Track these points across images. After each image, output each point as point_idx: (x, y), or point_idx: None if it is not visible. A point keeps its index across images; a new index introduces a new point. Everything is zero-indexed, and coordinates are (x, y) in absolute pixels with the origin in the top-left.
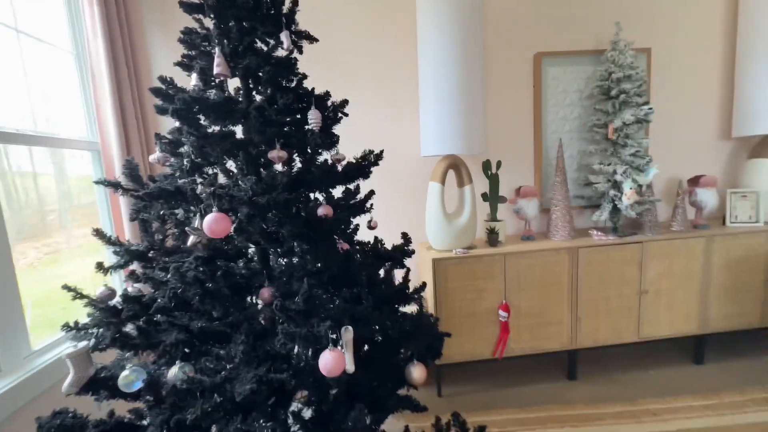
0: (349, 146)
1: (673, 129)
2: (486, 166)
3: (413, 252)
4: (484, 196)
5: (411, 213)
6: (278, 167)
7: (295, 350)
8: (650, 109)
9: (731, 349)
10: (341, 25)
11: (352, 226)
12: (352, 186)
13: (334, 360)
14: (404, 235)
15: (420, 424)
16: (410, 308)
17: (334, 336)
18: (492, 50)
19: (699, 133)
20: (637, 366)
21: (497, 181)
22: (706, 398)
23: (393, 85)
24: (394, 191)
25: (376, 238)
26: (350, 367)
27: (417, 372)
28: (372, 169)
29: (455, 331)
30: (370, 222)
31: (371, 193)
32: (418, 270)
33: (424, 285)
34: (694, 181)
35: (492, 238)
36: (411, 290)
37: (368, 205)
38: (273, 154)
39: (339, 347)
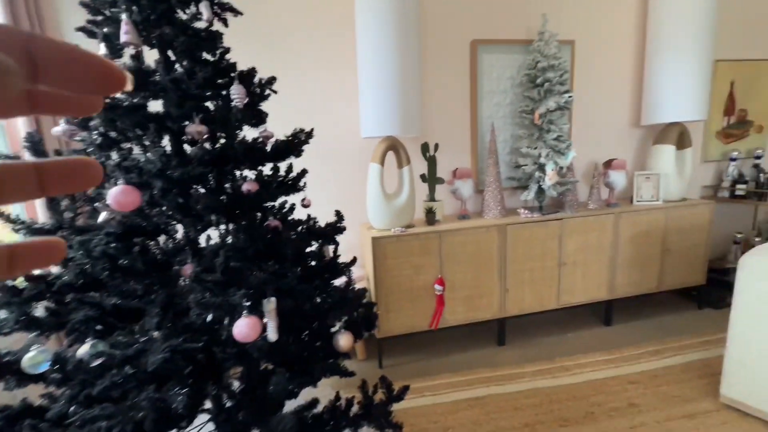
0: (291, 126)
1: (592, 116)
2: (424, 148)
3: (344, 229)
4: (423, 177)
5: (355, 193)
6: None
7: (209, 319)
8: (570, 96)
9: (634, 311)
10: (280, 4)
11: (287, 205)
12: (284, 164)
13: (248, 326)
14: (337, 213)
15: (355, 394)
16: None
17: (248, 304)
18: (430, 36)
19: (615, 120)
20: (557, 330)
21: (435, 163)
22: (610, 353)
23: (334, 67)
24: (338, 171)
25: (308, 216)
26: (272, 336)
27: (343, 340)
28: (304, 147)
29: (395, 306)
30: (303, 200)
31: (303, 171)
32: (361, 249)
33: (354, 260)
34: (608, 164)
35: (430, 217)
36: (342, 264)
37: (301, 183)
38: (191, 128)
39: (259, 316)
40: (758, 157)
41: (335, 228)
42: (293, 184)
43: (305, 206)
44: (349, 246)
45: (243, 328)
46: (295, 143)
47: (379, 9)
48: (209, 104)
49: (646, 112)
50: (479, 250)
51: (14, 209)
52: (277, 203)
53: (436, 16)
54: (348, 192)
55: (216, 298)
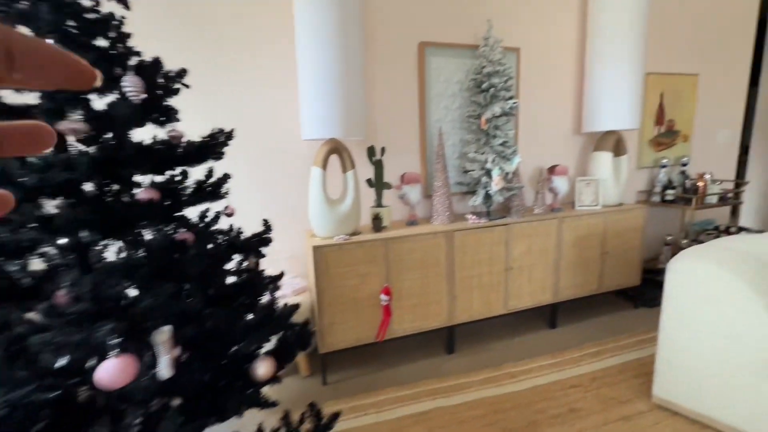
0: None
1: (537, 123)
2: (370, 152)
3: (270, 240)
4: (369, 182)
5: (300, 199)
6: (76, 143)
7: (62, 364)
8: (515, 103)
9: (577, 313)
10: None
11: (210, 215)
12: (201, 168)
13: (117, 368)
14: (264, 222)
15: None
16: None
17: (118, 340)
18: (378, 37)
19: (558, 127)
20: (505, 335)
21: (382, 167)
22: (553, 357)
23: (272, 65)
24: (281, 176)
25: (230, 226)
26: (165, 372)
27: (262, 368)
28: (224, 149)
29: (339, 318)
30: (226, 209)
31: (225, 176)
32: (305, 259)
33: (281, 274)
34: (551, 170)
35: (376, 223)
36: (267, 279)
37: (223, 190)
38: (63, 126)
39: (138, 352)
40: (684, 164)
41: (261, 239)
42: (213, 191)
43: (228, 215)
44: (294, 255)
45: (108, 372)
46: (213, 145)
47: (320, 6)
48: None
49: (586, 120)
50: (427, 257)
51: None
52: (194, 213)
53: (384, 16)
54: (292, 198)
55: (73, 336)
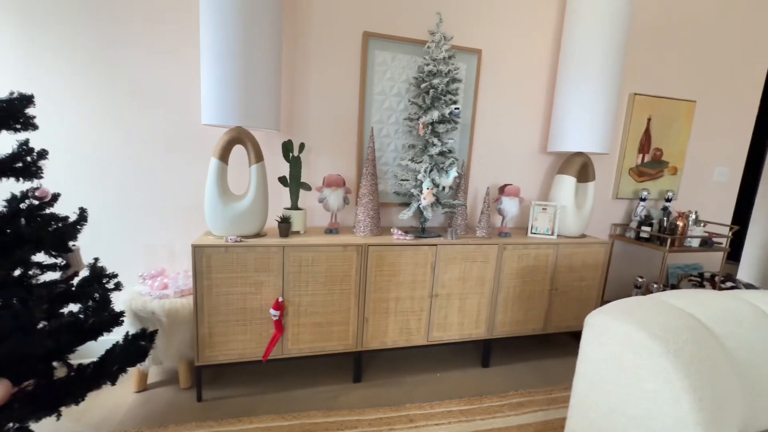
0: (114, 101)
1: (497, 135)
2: (287, 147)
3: (77, 232)
4: (283, 181)
5: (195, 192)
6: None
7: None
8: (457, 109)
9: (518, 351)
10: None
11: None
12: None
13: None
14: (81, 211)
15: None
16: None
17: None
18: (315, 21)
19: (522, 143)
20: (427, 367)
21: (299, 166)
22: (469, 402)
23: (171, 32)
24: (179, 164)
25: (31, 208)
26: None
27: None
28: (21, 119)
29: (222, 329)
30: (35, 191)
31: (42, 153)
32: None
33: (74, 274)
34: (501, 190)
35: (282, 227)
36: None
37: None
38: None
39: None
40: (668, 200)
41: (60, 230)
42: (24, 167)
43: (38, 199)
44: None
45: None
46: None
47: None
48: None
49: (552, 138)
50: (333, 272)
51: None
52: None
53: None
54: (195, 190)
55: None
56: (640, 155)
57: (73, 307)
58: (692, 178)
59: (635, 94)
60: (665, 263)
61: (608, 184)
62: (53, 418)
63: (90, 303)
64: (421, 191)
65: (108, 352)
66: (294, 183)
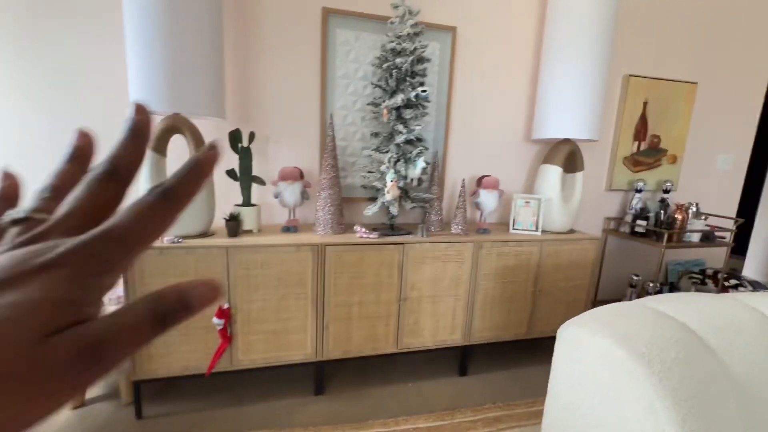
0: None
1: (477, 123)
2: (235, 136)
3: None
4: (231, 174)
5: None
6: None
7: None
8: (424, 91)
9: (498, 358)
10: None
11: None
12: None
13: None
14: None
15: None
16: None
17: None
18: None
19: (505, 131)
20: (397, 379)
21: (249, 158)
22: (439, 418)
23: (97, 16)
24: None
25: None
26: None
27: None
28: None
29: (160, 340)
30: None
31: None
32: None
33: None
34: (479, 182)
35: (231, 226)
36: None
37: None
38: None
39: None
40: (666, 191)
41: None
42: None
43: None
44: None
45: None
46: None
47: None
48: None
49: (536, 124)
50: (287, 275)
51: None
52: None
53: None
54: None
55: None
56: (636, 142)
57: None
58: (693, 167)
59: (629, 75)
60: (663, 260)
61: (601, 175)
62: None
63: None
64: (385, 184)
65: None
66: (245, 177)
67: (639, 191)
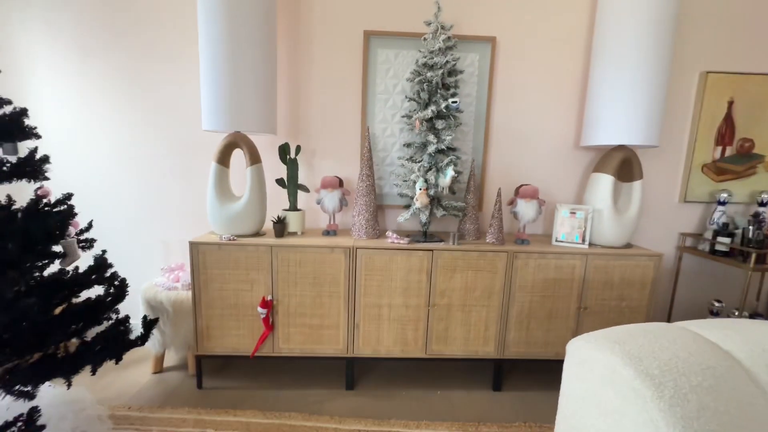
0: (133, 111)
1: (521, 130)
2: (284, 149)
3: (73, 215)
4: (280, 182)
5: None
6: None
7: None
8: (454, 102)
9: (536, 378)
10: None
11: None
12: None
13: None
14: (68, 202)
15: None
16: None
17: None
18: (315, 24)
19: (552, 137)
20: (426, 384)
21: (296, 167)
22: (462, 428)
23: (173, 45)
24: (187, 168)
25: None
26: None
27: None
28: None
29: (217, 323)
30: (38, 189)
31: (45, 158)
32: None
33: (102, 266)
34: (517, 191)
35: (277, 227)
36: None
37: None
38: None
39: None
40: (763, 204)
41: (60, 219)
42: (32, 170)
43: (40, 197)
44: None
45: None
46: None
47: None
48: None
49: (585, 130)
50: (321, 274)
51: None
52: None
53: (326, 2)
54: (192, 194)
55: None
56: (719, 147)
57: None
58: None
59: (707, 72)
60: (749, 284)
61: (673, 185)
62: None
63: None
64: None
65: (97, 335)
66: (291, 185)
67: (722, 203)
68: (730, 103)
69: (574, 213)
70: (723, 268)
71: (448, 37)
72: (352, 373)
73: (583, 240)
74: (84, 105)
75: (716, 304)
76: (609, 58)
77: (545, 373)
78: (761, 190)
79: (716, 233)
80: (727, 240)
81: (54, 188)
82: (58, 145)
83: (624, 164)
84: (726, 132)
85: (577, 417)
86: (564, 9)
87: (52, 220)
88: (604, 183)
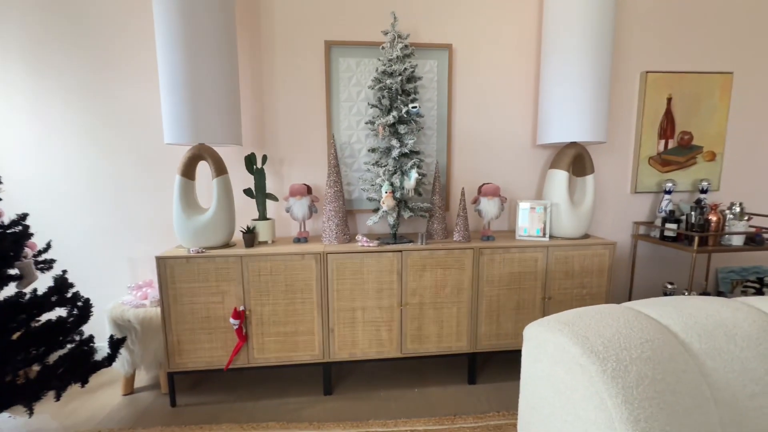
0: (93, 124)
1: (481, 132)
2: (250, 159)
3: (28, 236)
4: (248, 192)
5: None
6: None
7: None
8: (414, 108)
9: (511, 369)
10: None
11: None
12: None
13: None
14: (23, 224)
15: None
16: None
17: None
18: (277, 36)
19: (510, 137)
20: (404, 383)
21: (263, 177)
22: (438, 422)
23: (139, 58)
24: (151, 182)
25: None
26: None
27: None
28: None
29: (188, 337)
30: None
31: None
32: None
33: (60, 287)
34: (480, 189)
35: (247, 238)
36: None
37: None
38: None
39: None
40: (703, 191)
41: (17, 238)
42: None
43: None
44: None
45: None
46: None
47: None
48: None
49: (540, 129)
50: (293, 281)
51: None
52: None
53: (283, 12)
54: (155, 208)
55: None
56: (662, 141)
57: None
58: (736, 164)
59: (647, 72)
60: (694, 266)
61: (624, 177)
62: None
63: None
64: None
65: (59, 357)
66: (260, 194)
67: (669, 192)
68: (669, 100)
69: (534, 208)
70: (673, 252)
71: (405, 46)
72: (330, 377)
73: (544, 233)
74: (37, 120)
75: (669, 286)
76: (557, 61)
77: (517, 364)
78: (701, 179)
79: (665, 220)
80: (674, 226)
81: (7, 209)
82: (10, 163)
83: (577, 160)
84: (667, 126)
85: (536, 397)
86: (514, 16)
87: (6, 242)
88: (559, 178)
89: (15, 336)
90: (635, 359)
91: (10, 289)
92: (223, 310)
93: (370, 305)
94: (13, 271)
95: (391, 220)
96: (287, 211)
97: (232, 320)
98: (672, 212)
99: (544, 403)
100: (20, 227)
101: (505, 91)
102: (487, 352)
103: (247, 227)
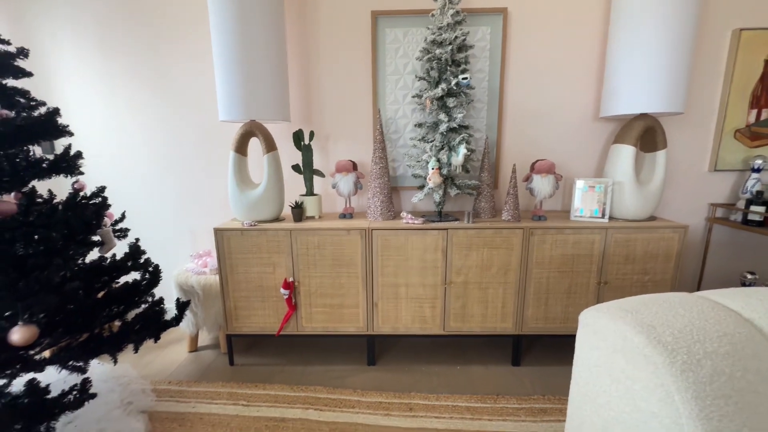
0: (155, 104)
1: (537, 104)
2: (298, 136)
3: (107, 207)
4: (296, 168)
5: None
6: None
7: None
8: (464, 79)
9: (557, 353)
10: None
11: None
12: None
13: None
14: (102, 195)
15: None
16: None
17: None
18: (321, 8)
19: (570, 110)
20: (446, 360)
21: (310, 153)
22: (480, 400)
23: (187, 40)
24: (211, 157)
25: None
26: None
27: (17, 334)
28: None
29: (244, 304)
30: (74, 183)
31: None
32: None
33: (134, 252)
34: (532, 167)
35: (296, 212)
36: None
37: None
38: None
39: None
40: None
41: (96, 210)
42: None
43: (77, 190)
44: None
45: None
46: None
47: None
48: None
49: (604, 100)
50: (339, 255)
51: None
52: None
53: None
54: (211, 183)
55: None
56: (755, 111)
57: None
58: None
59: (741, 29)
60: None
61: (703, 152)
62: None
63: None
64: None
65: (136, 315)
66: (307, 170)
67: (757, 170)
68: (767, 62)
69: (593, 187)
70: (757, 239)
71: (457, 12)
72: (373, 349)
73: (603, 214)
74: (109, 102)
75: (749, 276)
76: (629, 21)
77: (564, 348)
78: None
79: (749, 202)
80: (761, 209)
81: (88, 182)
82: (88, 141)
83: (647, 133)
84: (762, 94)
85: (590, 385)
86: None
87: (89, 211)
88: (625, 154)
89: (100, 295)
90: (710, 353)
91: (94, 254)
92: (274, 280)
93: (413, 282)
94: (95, 238)
95: (437, 197)
96: (333, 187)
97: (282, 290)
98: (760, 193)
99: (599, 391)
100: (100, 198)
101: (566, 58)
102: (533, 335)
103: (296, 202)
